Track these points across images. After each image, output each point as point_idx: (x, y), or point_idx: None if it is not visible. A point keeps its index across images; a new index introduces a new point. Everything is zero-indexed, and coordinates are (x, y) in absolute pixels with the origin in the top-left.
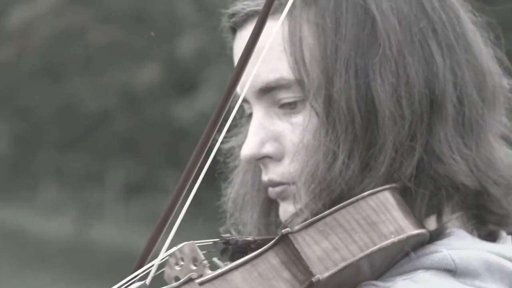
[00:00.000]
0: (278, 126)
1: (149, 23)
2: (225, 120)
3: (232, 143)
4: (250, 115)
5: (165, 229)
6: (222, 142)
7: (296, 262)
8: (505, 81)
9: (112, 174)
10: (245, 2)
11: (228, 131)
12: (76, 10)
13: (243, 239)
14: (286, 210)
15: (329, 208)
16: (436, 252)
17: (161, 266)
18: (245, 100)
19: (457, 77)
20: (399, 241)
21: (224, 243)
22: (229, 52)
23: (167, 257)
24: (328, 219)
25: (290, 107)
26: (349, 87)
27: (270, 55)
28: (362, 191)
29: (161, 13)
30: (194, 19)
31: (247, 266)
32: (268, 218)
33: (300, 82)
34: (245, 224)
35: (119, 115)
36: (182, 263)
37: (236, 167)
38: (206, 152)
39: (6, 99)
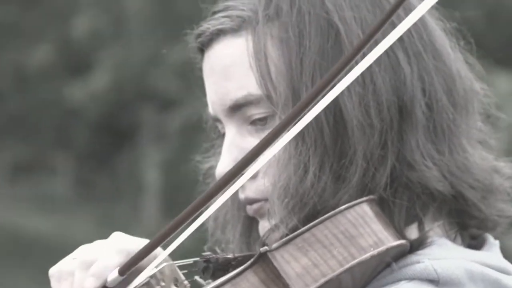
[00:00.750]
0: (250, 143)
1: (43, 3)
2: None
3: (210, 163)
4: (224, 134)
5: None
6: (201, 162)
7: (275, 280)
8: (477, 86)
9: (0, 154)
10: (210, 22)
11: (206, 151)
12: None
13: (223, 256)
14: (264, 227)
15: (304, 222)
16: (418, 262)
17: None
18: (217, 120)
19: (425, 84)
20: (379, 254)
21: (204, 261)
22: (199, 72)
23: (147, 279)
24: (306, 235)
25: (261, 123)
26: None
27: (237, 72)
28: (337, 203)
29: None
30: (89, 0)
31: (227, 286)
32: (249, 237)
33: (268, 97)
34: (228, 242)
35: (10, 95)
36: (163, 284)
37: None
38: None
39: None
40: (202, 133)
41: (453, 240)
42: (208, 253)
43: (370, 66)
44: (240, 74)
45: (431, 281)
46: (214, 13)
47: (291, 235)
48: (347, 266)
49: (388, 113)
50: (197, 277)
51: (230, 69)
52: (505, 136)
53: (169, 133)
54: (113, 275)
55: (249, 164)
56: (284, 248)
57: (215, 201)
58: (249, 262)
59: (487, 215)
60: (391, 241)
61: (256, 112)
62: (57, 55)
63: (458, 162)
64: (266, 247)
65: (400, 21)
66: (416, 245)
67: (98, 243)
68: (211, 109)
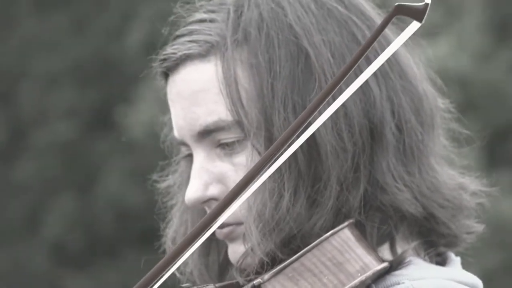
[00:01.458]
0: (220, 167)
1: None
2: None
3: (168, 181)
4: (188, 155)
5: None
6: (158, 182)
7: None
8: (439, 102)
9: None
10: (175, 46)
11: (163, 169)
12: None
13: (202, 287)
14: (235, 251)
15: (280, 247)
16: (398, 283)
17: None
18: (183, 144)
19: (394, 105)
20: (366, 279)
21: None
22: (163, 97)
23: None
24: (296, 264)
25: (230, 148)
26: (289, 124)
27: (207, 97)
28: (312, 228)
29: None
30: None
31: None
32: (208, 258)
33: (239, 123)
34: (186, 264)
35: None
36: None
37: (174, 205)
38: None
39: None
40: None
41: (423, 259)
42: (187, 284)
43: (341, 89)
44: (210, 100)
45: None
46: (178, 37)
47: (281, 265)
48: None
49: (360, 137)
50: None
51: (199, 94)
52: (467, 151)
53: None
54: None
55: (229, 204)
56: (276, 279)
57: (196, 243)
58: None
59: (456, 233)
60: (375, 265)
61: (226, 137)
62: None
63: (428, 182)
64: (259, 280)
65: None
66: (395, 266)
67: None
68: (177, 134)
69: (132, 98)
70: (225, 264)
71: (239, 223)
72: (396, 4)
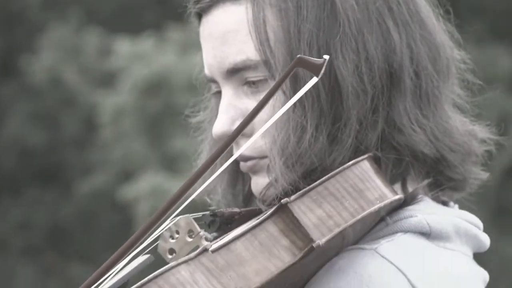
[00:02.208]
0: (247, 104)
1: None
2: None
3: (200, 117)
4: (218, 93)
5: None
6: (189, 116)
7: (294, 229)
8: (456, 53)
9: None
10: None
11: (195, 105)
12: None
13: (229, 211)
14: (257, 183)
15: (301, 179)
16: (411, 216)
17: (154, 240)
18: (213, 81)
19: (413, 52)
20: (384, 206)
21: (211, 215)
22: (196, 36)
23: (162, 231)
24: (320, 188)
25: (256, 86)
26: None
27: (236, 38)
28: (332, 163)
29: None
30: None
31: (248, 236)
32: (235, 188)
33: (266, 63)
34: (214, 192)
35: None
36: (177, 236)
37: (204, 140)
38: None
39: None
40: None
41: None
42: (215, 207)
43: (363, 34)
44: (239, 40)
45: (423, 233)
46: None
47: (305, 188)
48: (358, 217)
49: (380, 80)
50: (201, 231)
51: (230, 34)
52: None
53: None
54: None
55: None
56: (301, 200)
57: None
58: (268, 213)
59: (465, 177)
60: (392, 196)
61: (254, 75)
62: None
63: (441, 126)
64: (286, 199)
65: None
66: (408, 201)
67: None
68: (207, 71)
69: (35, 47)
70: (249, 195)
71: (263, 157)
72: (298, 56)
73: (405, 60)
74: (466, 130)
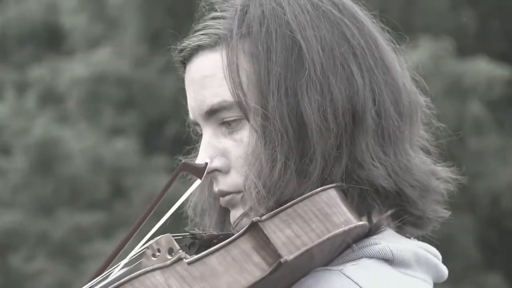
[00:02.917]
0: (224, 143)
1: None
2: None
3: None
4: (202, 135)
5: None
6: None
7: (265, 246)
8: (421, 99)
9: None
10: (190, 39)
11: (189, 153)
12: None
13: (208, 234)
14: (235, 215)
15: (270, 211)
16: (376, 244)
17: (138, 258)
18: (196, 124)
19: (375, 95)
20: (349, 230)
21: (191, 237)
22: (181, 83)
23: (144, 249)
24: (289, 210)
25: (232, 126)
26: (281, 105)
27: (213, 82)
28: (301, 195)
29: None
30: None
31: (222, 251)
32: (223, 224)
33: (239, 104)
34: (205, 228)
35: None
36: (158, 254)
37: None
38: None
39: None
40: None
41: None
42: (195, 230)
43: (328, 77)
44: (216, 84)
45: (386, 260)
46: (195, 31)
47: (275, 210)
48: (324, 237)
49: (343, 119)
50: (180, 250)
51: (207, 79)
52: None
53: None
54: None
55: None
56: (271, 220)
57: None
58: (241, 231)
59: (424, 212)
60: (357, 221)
61: (228, 115)
62: None
63: (401, 163)
64: (258, 218)
65: None
66: (373, 231)
67: None
68: (191, 115)
69: None
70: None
71: (238, 191)
72: (182, 161)
73: (368, 101)
74: (426, 168)
